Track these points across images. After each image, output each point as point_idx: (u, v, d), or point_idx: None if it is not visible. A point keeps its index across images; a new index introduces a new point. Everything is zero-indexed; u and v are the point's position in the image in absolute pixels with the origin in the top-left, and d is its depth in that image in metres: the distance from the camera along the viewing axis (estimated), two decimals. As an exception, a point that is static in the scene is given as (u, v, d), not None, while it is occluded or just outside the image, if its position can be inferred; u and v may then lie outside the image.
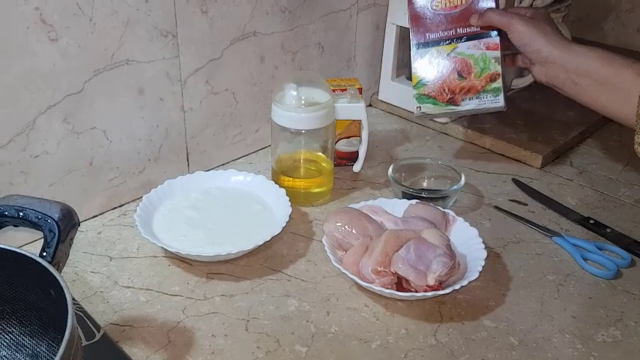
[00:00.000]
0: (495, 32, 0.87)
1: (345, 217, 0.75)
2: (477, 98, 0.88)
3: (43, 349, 0.52)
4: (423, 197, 0.84)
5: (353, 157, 0.94)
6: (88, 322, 0.65)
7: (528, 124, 1.10)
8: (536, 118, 1.12)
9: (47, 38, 0.71)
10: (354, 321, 0.67)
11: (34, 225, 0.51)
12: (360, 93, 0.91)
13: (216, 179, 0.87)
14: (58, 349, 0.49)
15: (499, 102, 0.88)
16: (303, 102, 0.83)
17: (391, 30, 1.10)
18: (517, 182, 0.94)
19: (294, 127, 0.84)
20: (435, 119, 1.07)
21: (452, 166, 0.90)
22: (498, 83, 0.88)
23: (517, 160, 1.01)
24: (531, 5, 1.12)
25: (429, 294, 0.66)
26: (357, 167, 0.92)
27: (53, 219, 0.51)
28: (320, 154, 0.89)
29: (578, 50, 0.76)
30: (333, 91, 0.88)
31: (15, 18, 0.67)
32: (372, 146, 0.91)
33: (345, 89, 0.90)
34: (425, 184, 0.92)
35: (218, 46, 0.89)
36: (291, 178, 0.87)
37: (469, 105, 0.88)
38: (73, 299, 0.54)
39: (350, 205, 0.80)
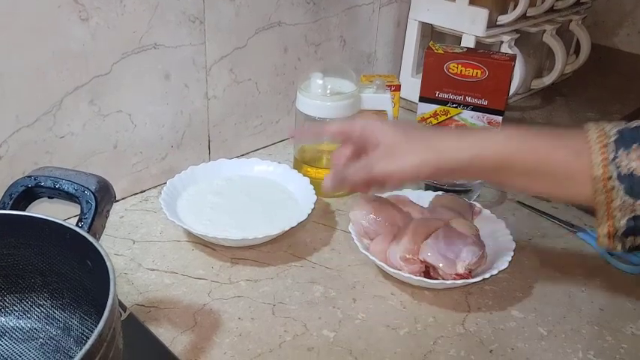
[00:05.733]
0: (501, 113, 0.90)
1: (372, 205, 0.74)
2: None
3: (75, 322, 0.52)
4: (447, 190, 0.83)
5: None
6: (114, 302, 0.64)
7: (548, 124, 1.09)
8: (556, 118, 1.12)
9: (78, 18, 0.70)
10: (381, 308, 0.67)
11: (71, 196, 0.51)
12: (399, 90, 0.91)
13: (239, 167, 0.86)
14: (90, 323, 0.49)
15: None
16: (328, 91, 0.83)
17: (413, 26, 1.10)
18: (539, 179, 0.94)
19: (319, 115, 0.83)
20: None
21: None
22: None
23: (538, 158, 1.01)
24: (552, 6, 1.12)
25: (459, 282, 0.66)
26: (379, 160, 0.91)
27: (90, 190, 0.50)
28: (342, 145, 0.89)
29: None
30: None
31: (47, -5, 0.67)
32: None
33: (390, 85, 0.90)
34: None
35: (243, 35, 0.89)
36: (315, 168, 0.87)
37: None
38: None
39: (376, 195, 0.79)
